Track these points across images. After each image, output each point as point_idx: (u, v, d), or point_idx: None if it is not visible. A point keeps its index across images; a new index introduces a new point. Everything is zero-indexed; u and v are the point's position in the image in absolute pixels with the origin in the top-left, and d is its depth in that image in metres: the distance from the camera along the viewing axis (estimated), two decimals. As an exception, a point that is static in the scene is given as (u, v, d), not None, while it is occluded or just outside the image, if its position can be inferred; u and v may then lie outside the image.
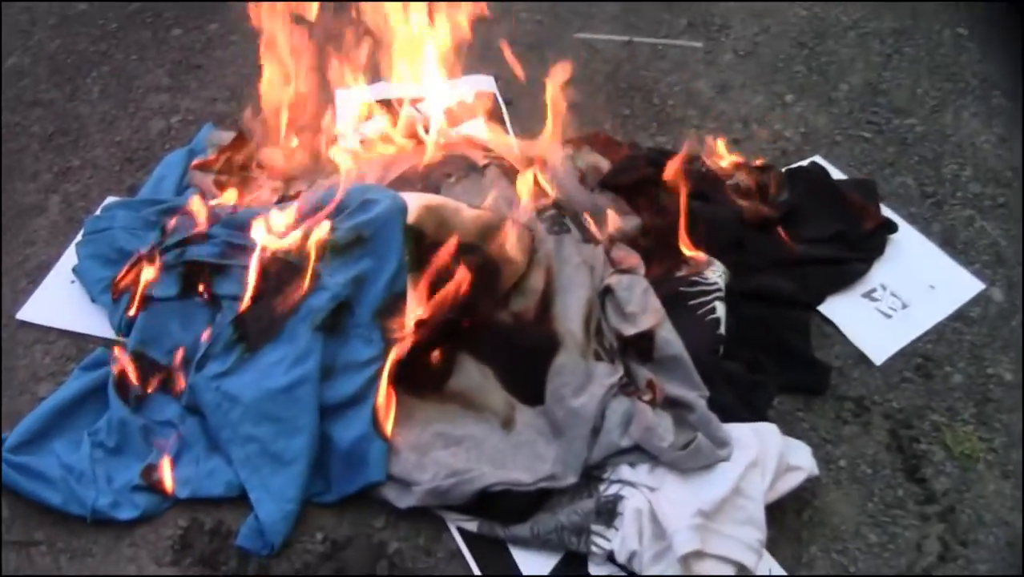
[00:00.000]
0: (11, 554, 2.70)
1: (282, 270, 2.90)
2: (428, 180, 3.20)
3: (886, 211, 3.53)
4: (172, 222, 3.21)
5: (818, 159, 3.75)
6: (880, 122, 3.96)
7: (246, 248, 2.99)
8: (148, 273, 3.05)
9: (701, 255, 3.12)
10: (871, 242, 3.44)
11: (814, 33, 4.39)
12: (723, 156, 3.62)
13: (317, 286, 2.85)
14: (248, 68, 4.18)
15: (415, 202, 2.93)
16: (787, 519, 2.72)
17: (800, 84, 4.13)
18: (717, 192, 3.42)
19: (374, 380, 2.82)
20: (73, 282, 3.35)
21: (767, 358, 3.01)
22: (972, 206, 3.61)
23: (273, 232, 2.95)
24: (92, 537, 2.72)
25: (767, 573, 2.60)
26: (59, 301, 3.33)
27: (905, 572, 2.65)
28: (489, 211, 2.99)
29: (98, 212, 3.51)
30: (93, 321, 3.24)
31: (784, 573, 2.61)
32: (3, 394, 3.06)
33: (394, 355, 2.82)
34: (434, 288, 2.89)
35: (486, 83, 4.09)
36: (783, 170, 3.63)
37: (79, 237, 3.41)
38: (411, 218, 2.89)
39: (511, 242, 2.95)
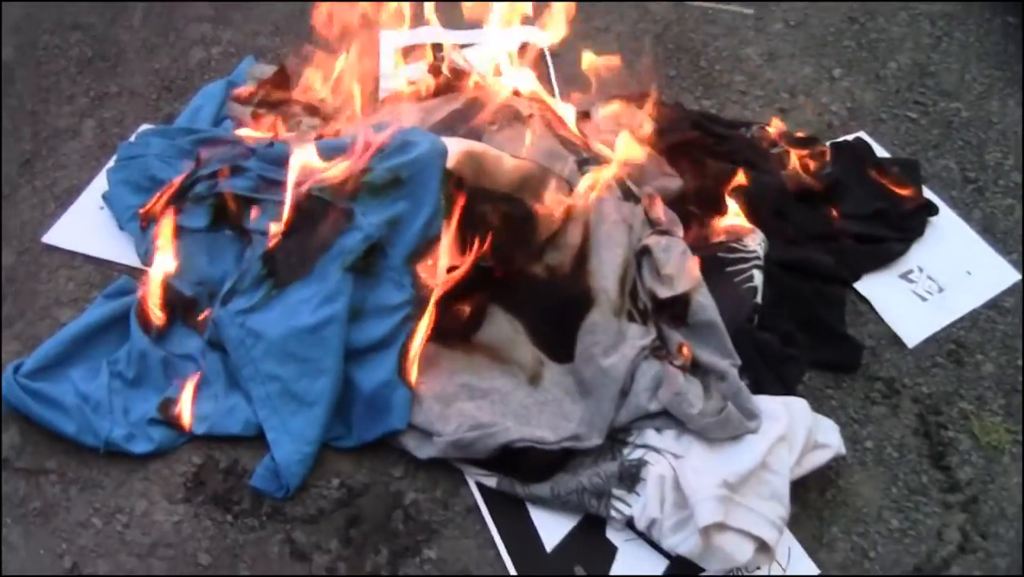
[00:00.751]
0: (20, 481, 2.67)
1: (316, 207, 2.83)
2: (470, 126, 3.12)
3: (928, 193, 3.47)
4: (206, 152, 3.16)
5: (863, 135, 3.68)
6: (927, 103, 3.88)
7: (280, 183, 2.92)
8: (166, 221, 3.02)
9: (743, 223, 3.06)
10: (911, 222, 3.38)
11: (865, 9, 4.29)
12: (771, 125, 3.54)
13: (351, 226, 2.78)
14: (293, 4, 4.12)
15: (456, 147, 2.86)
16: (810, 497, 2.67)
17: (849, 59, 4.05)
18: (762, 160, 3.37)
19: (402, 325, 2.77)
20: (102, 208, 3.30)
21: (800, 332, 2.95)
22: (1013, 195, 3.54)
23: (309, 168, 2.88)
24: (104, 469, 2.68)
25: (785, 554, 2.55)
26: (86, 226, 3.28)
27: (924, 560, 2.60)
28: (530, 162, 2.92)
29: (132, 138, 3.46)
30: (119, 248, 3.19)
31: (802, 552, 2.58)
32: (23, 318, 3.04)
33: (433, 302, 2.78)
34: (468, 235, 2.84)
35: (534, 34, 4.00)
36: (828, 143, 3.57)
37: (111, 163, 3.37)
38: (451, 163, 2.82)
39: (548, 193, 2.89)
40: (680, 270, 2.84)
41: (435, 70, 3.46)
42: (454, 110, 3.22)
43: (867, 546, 2.62)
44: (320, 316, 2.70)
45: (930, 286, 3.24)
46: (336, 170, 2.85)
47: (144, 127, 3.57)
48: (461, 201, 2.82)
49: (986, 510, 2.71)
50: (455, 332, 2.84)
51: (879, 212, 3.34)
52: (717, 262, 2.96)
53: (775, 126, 3.54)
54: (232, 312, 2.76)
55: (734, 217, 3.09)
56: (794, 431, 2.58)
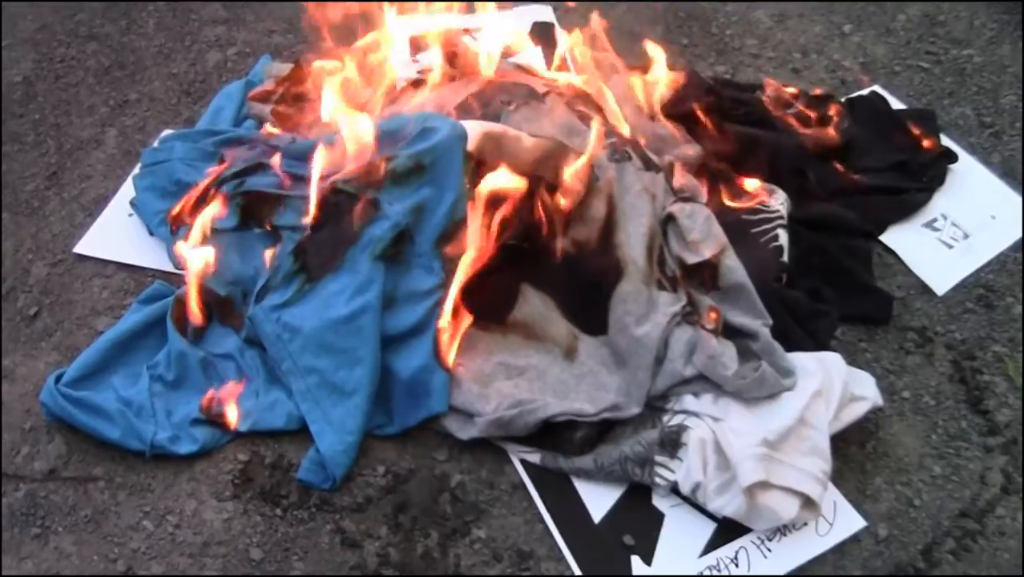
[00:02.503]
0: (69, 490, 2.69)
1: (342, 200, 2.83)
2: (487, 108, 3.11)
3: (946, 141, 3.46)
4: (230, 153, 3.17)
5: (878, 88, 3.68)
6: (938, 52, 3.88)
7: (305, 178, 2.93)
8: (213, 208, 3.02)
9: (762, 187, 3.08)
10: (931, 172, 3.37)
11: (871, -37, 4.25)
12: (784, 84, 3.55)
13: (377, 215, 2.79)
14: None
15: (475, 130, 2.86)
16: (851, 451, 2.68)
17: (858, 14, 4.04)
18: (779, 121, 3.38)
19: (435, 309, 2.78)
20: (131, 215, 3.31)
21: (829, 287, 2.96)
22: (1031, 136, 3.48)
23: (333, 162, 2.88)
24: (151, 472, 2.70)
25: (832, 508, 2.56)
26: (117, 234, 3.30)
27: (969, 504, 2.61)
28: (548, 139, 2.91)
29: (155, 144, 3.46)
30: (151, 254, 3.20)
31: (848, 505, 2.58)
32: (61, 328, 3.06)
33: (458, 285, 2.79)
34: (493, 216, 2.85)
35: (544, 12, 4.02)
36: (843, 99, 3.57)
37: (136, 170, 3.37)
38: (471, 146, 2.83)
39: (570, 170, 2.87)
40: (706, 235, 2.84)
41: (450, 57, 3.45)
42: (471, 93, 3.21)
43: (911, 494, 2.62)
44: (354, 306, 2.70)
45: (955, 233, 3.24)
46: (356, 162, 2.86)
47: (166, 132, 3.57)
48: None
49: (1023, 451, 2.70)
50: (490, 313, 2.85)
51: (899, 164, 3.34)
52: (741, 224, 2.97)
53: (790, 86, 3.55)
54: (267, 308, 2.78)
55: (755, 179, 3.10)
56: (830, 385, 2.58)
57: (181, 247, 2.95)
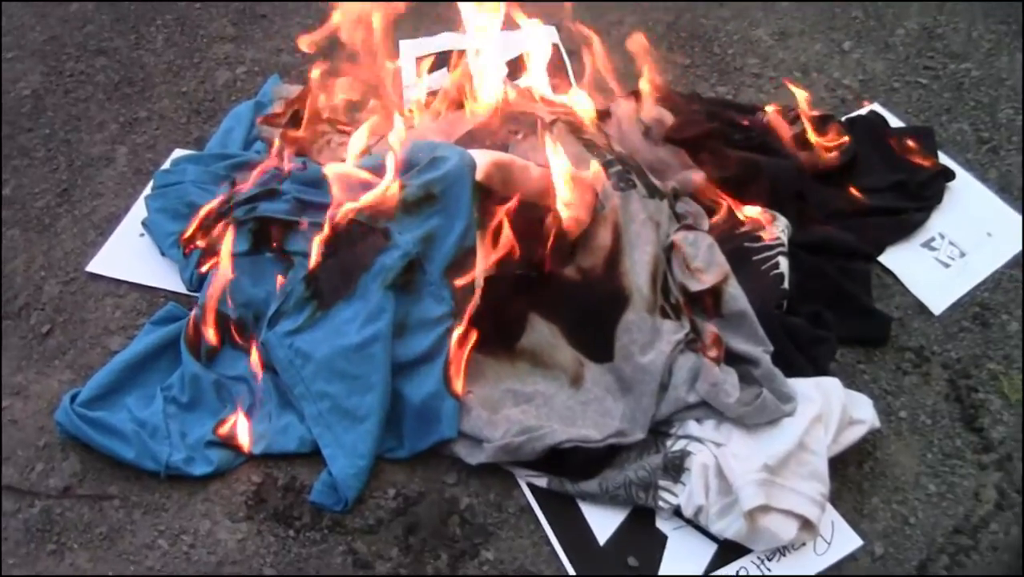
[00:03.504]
0: (84, 508, 2.74)
1: (353, 227, 2.88)
2: (495, 138, 3.17)
3: (943, 158, 3.50)
4: (242, 177, 3.22)
5: (876, 107, 3.72)
6: (936, 67, 3.92)
7: (316, 204, 2.99)
8: (227, 237, 3.05)
9: (762, 215, 3.12)
10: (929, 190, 3.40)
11: (870, -24, 4.29)
12: (786, 106, 3.59)
13: (389, 244, 2.84)
14: (312, 18, 4.18)
15: (483, 159, 2.91)
16: (849, 471, 2.72)
17: (857, 30, 4.09)
18: (779, 143, 3.42)
19: (445, 337, 2.83)
20: (142, 235, 3.36)
21: (828, 311, 2.99)
22: (1029, 149, 3.53)
23: (344, 193, 2.94)
24: (165, 492, 2.74)
25: (829, 528, 2.62)
26: (128, 254, 3.34)
27: (963, 520, 2.67)
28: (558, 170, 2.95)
29: (167, 166, 3.52)
30: (163, 274, 3.25)
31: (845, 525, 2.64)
32: (74, 347, 3.11)
33: (466, 317, 2.84)
34: (502, 246, 2.88)
35: (548, 34, 4.04)
36: (843, 119, 3.61)
37: (148, 190, 3.42)
38: (479, 175, 2.88)
39: (575, 199, 2.93)
40: (709, 263, 2.90)
41: (470, 83, 3.48)
42: (478, 122, 3.26)
43: (907, 513, 2.68)
44: (365, 334, 2.76)
45: (952, 252, 3.28)
46: (370, 195, 2.91)
47: (177, 152, 3.63)
48: (493, 212, 2.88)
49: (1021, 467, 2.77)
50: (498, 341, 2.89)
51: (897, 184, 3.38)
52: (743, 252, 3.01)
53: (790, 106, 3.58)
54: (279, 334, 2.83)
55: (756, 206, 3.14)
56: (829, 410, 2.64)
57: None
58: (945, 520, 2.67)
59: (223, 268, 2.96)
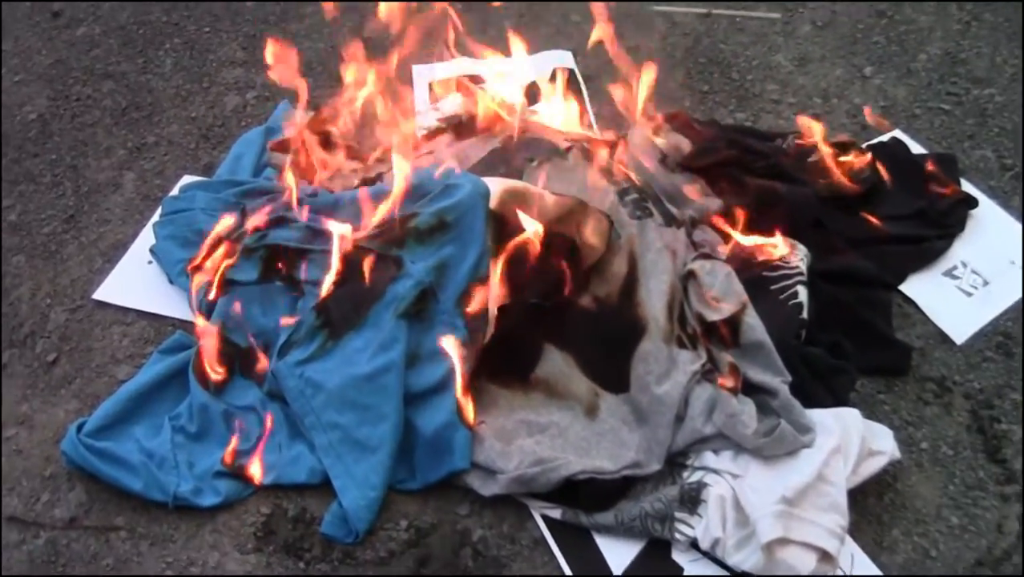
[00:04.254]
0: (90, 539, 2.76)
1: (364, 256, 2.92)
2: (510, 165, 3.21)
3: (966, 186, 3.52)
4: (253, 205, 3.26)
5: (898, 133, 3.75)
6: (959, 93, 3.94)
7: (328, 233, 3.02)
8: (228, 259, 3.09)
9: (783, 243, 3.14)
10: (951, 218, 3.42)
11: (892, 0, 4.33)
12: (806, 133, 3.60)
13: (401, 273, 2.88)
14: (323, 42, 4.23)
15: (497, 187, 2.95)
16: (869, 503, 2.74)
17: (879, 55, 4.11)
18: (799, 171, 3.44)
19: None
20: (151, 262, 3.39)
21: (848, 340, 3.01)
22: (1053, 176, 3.54)
23: (355, 220, 2.99)
24: (173, 523, 2.77)
25: (849, 561, 2.63)
26: (136, 281, 3.38)
27: (985, 553, 2.67)
28: (570, 198, 3.00)
29: (176, 192, 3.56)
30: (171, 303, 3.28)
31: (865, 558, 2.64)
32: (81, 376, 3.13)
33: (476, 349, 2.87)
34: (515, 275, 2.93)
35: (564, 58, 4.10)
36: (864, 146, 3.62)
37: (156, 217, 3.46)
38: (493, 203, 2.91)
39: (588, 227, 2.97)
40: (726, 292, 2.93)
41: (484, 109, 3.53)
42: (493, 149, 3.31)
43: (928, 545, 2.69)
44: (377, 364, 2.79)
45: (975, 280, 3.29)
46: (375, 220, 2.98)
47: (186, 178, 3.67)
48: (506, 241, 2.92)
49: (1043, 497, 2.75)
50: (512, 371, 2.93)
51: (919, 212, 3.40)
52: (761, 281, 3.04)
53: (810, 133, 3.59)
54: (290, 364, 2.85)
55: (775, 234, 3.16)
56: (848, 441, 2.66)
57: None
58: (967, 553, 2.68)
59: (219, 294, 3.04)
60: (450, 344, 2.83)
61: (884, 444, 2.71)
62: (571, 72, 4.01)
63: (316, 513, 2.77)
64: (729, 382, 2.79)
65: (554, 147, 3.27)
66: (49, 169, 3.81)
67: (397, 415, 2.78)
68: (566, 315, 2.95)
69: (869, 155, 3.53)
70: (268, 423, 2.89)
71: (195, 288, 3.13)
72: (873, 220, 3.39)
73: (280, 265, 3.06)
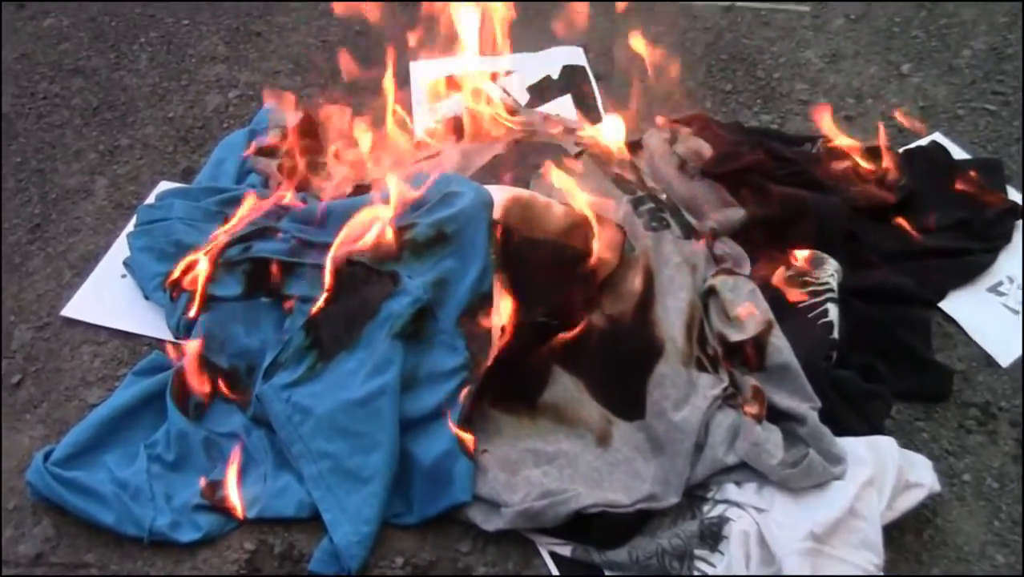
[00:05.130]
0: (57, 579, 2.72)
1: (358, 271, 2.93)
2: (515, 171, 3.22)
3: (1012, 194, 3.53)
4: (235, 214, 3.27)
5: (938, 136, 3.75)
6: (1006, 92, 3.94)
7: (318, 245, 3.04)
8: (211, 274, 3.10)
9: (811, 257, 3.15)
10: (996, 229, 3.43)
11: (933, -8, 4.31)
12: (836, 136, 3.62)
13: (397, 289, 2.88)
14: (313, 36, 4.25)
15: (501, 196, 2.96)
16: (906, 540, 2.74)
17: (918, 51, 4.12)
18: (829, 179, 3.45)
19: (458, 392, 2.86)
20: (124, 276, 3.40)
21: (883, 363, 3.02)
22: (1110, 186, 3.54)
23: (349, 229, 2.99)
24: (148, 560, 2.76)
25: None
26: (109, 297, 3.38)
27: (1033, 595, 2.64)
28: (580, 207, 3.01)
29: (152, 200, 3.56)
30: (147, 320, 3.28)
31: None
32: (48, 399, 3.13)
33: (488, 365, 2.87)
34: (521, 290, 2.93)
35: (575, 55, 4.11)
36: (900, 151, 3.64)
37: (131, 227, 3.46)
38: (497, 213, 2.93)
39: (600, 240, 2.98)
40: (750, 311, 2.94)
41: (488, 110, 3.55)
42: (496, 154, 3.33)
43: (971, 587, 2.64)
44: (370, 387, 2.79)
45: (1022, 297, 3.28)
46: (370, 234, 2.97)
47: (162, 184, 3.68)
48: (511, 254, 2.94)
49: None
50: (517, 396, 2.93)
51: (961, 222, 3.41)
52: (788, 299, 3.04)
53: (841, 137, 3.61)
54: (276, 387, 2.86)
55: (804, 247, 3.16)
56: (883, 473, 2.67)
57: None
58: (1013, 595, 2.65)
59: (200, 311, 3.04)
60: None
61: (923, 476, 2.72)
62: (582, 70, 4.01)
63: (305, 550, 2.77)
64: (753, 408, 2.81)
65: (564, 151, 3.29)
66: (13, 174, 3.81)
67: (392, 443, 2.78)
68: (576, 335, 2.96)
69: (906, 160, 3.57)
70: (253, 451, 2.91)
71: (173, 304, 3.14)
72: (910, 231, 3.40)
73: (266, 280, 3.07)
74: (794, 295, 3.03)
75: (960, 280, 3.31)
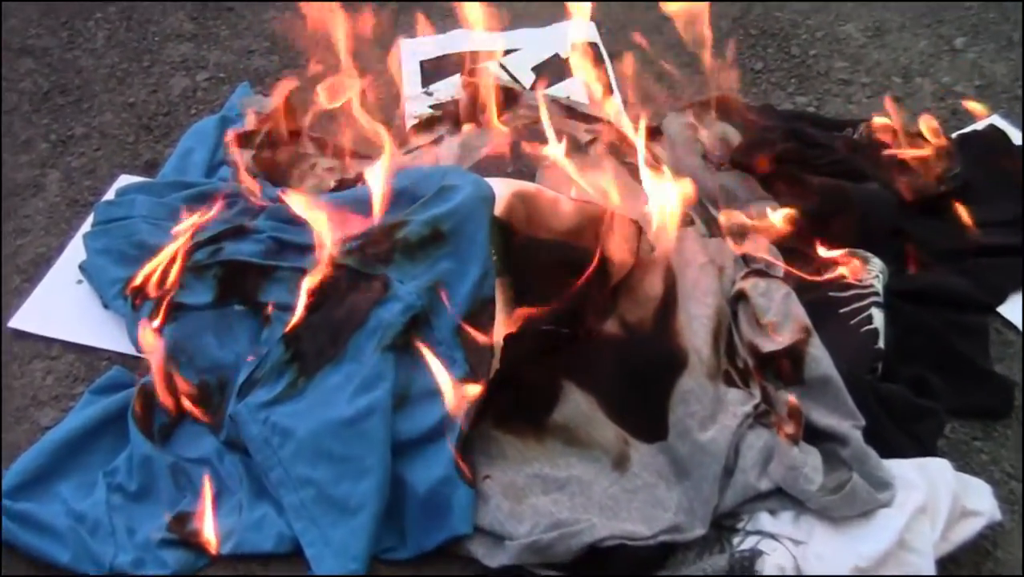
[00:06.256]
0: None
1: (344, 274, 2.94)
2: (519, 162, 3.23)
3: (1082, 185, 3.48)
4: (205, 211, 3.27)
5: (997, 119, 3.76)
6: (1073, 69, 3.89)
7: (298, 246, 3.05)
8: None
9: (853, 255, 3.15)
10: (1062, 225, 3.39)
11: (990, -44, 4.33)
12: (882, 121, 3.62)
13: (387, 296, 2.88)
14: (291, 11, 4.19)
15: (504, 190, 2.97)
16: (963, 574, 2.73)
17: (973, 23, 4.13)
18: (873, 168, 3.45)
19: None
20: (80, 282, 3.41)
21: (935, 375, 3.02)
22: None
23: (331, 231, 2.98)
24: None
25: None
26: (62, 306, 3.38)
27: (1106, 637, 2.63)
28: (591, 202, 3.02)
29: (111, 196, 3.56)
30: (105, 332, 3.28)
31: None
32: None
33: (484, 384, 2.86)
34: (526, 296, 2.94)
35: (586, 31, 4.11)
36: (954, 136, 3.65)
37: (87, 226, 3.46)
38: (499, 209, 2.94)
39: (615, 238, 2.99)
40: (784, 317, 2.95)
41: (472, 94, 3.56)
42: (499, 143, 3.34)
43: (1037, 628, 2.64)
44: (358, 406, 2.79)
45: None
46: (358, 228, 2.98)
47: (123, 179, 3.68)
48: (514, 255, 2.95)
49: None
50: (523, 415, 2.93)
51: (1022, 216, 3.41)
52: (828, 303, 3.06)
53: (887, 121, 3.61)
54: (252, 406, 2.85)
55: (844, 245, 3.17)
56: (936, 499, 2.67)
57: (146, 334, 3.03)
58: (1085, 637, 2.65)
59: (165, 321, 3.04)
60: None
61: (981, 502, 2.72)
62: (594, 48, 4.03)
63: (286, 589, 2.74)
64: (789, 427, 2.81)
65: (573, 139, 3.31)
66: (-48, 167, 3.77)
67: (383, 469, 2.77)
68: (589, 346, 2.97)
69: (960, 146, 3.57)
70: (226, 478, 2.91)
71: (135, 314, 3.14)
72: (965, 226, 3.40)
73: (240, 286, 3.08)
74: (835, 299, 3.00)
75: (1021, 282, 3.30)
